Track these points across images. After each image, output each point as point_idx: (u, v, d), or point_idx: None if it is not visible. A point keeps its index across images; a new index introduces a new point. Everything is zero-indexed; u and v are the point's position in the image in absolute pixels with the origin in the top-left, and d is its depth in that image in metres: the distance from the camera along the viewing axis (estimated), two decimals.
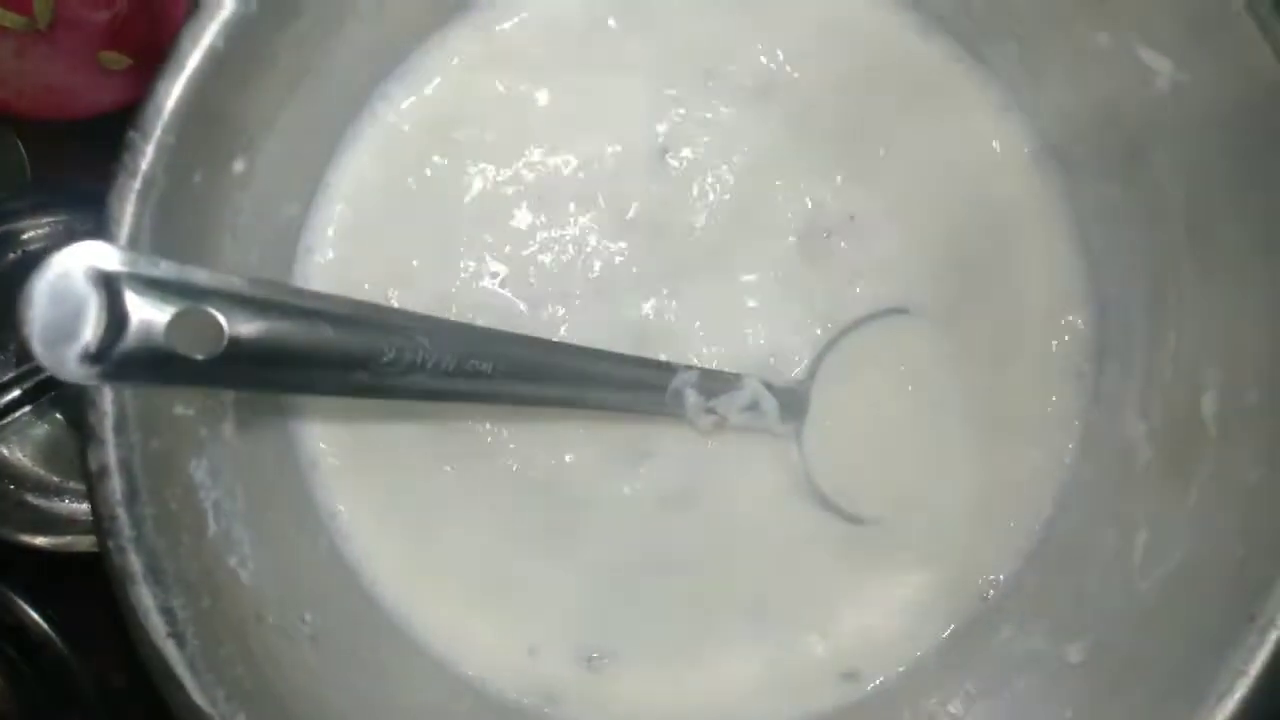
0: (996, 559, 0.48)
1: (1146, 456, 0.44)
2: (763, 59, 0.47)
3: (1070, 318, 0.48)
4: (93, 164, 0.58)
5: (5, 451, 0.56)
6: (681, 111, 0.47)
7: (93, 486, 0.33)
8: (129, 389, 0.33)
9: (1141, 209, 0.44)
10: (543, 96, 0.47)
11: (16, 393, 0.53)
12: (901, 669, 0.46)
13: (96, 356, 0.28)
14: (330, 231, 0.46)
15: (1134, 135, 0.43)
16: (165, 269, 0.29)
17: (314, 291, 0.41)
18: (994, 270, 0.48)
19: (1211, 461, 0.41)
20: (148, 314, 0.29)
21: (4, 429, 0.54)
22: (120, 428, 0.33)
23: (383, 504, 0.46)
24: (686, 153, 0.47)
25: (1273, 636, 0.36)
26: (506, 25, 0.47)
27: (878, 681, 0.47)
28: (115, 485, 0.33)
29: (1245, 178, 0.39)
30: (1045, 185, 0.48)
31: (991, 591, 0.47)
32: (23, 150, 0.57)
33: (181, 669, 0.34)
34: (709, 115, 0.47)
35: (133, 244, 0.32)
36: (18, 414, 0.53)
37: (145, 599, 0.33)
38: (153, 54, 0.56)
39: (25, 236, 0.56)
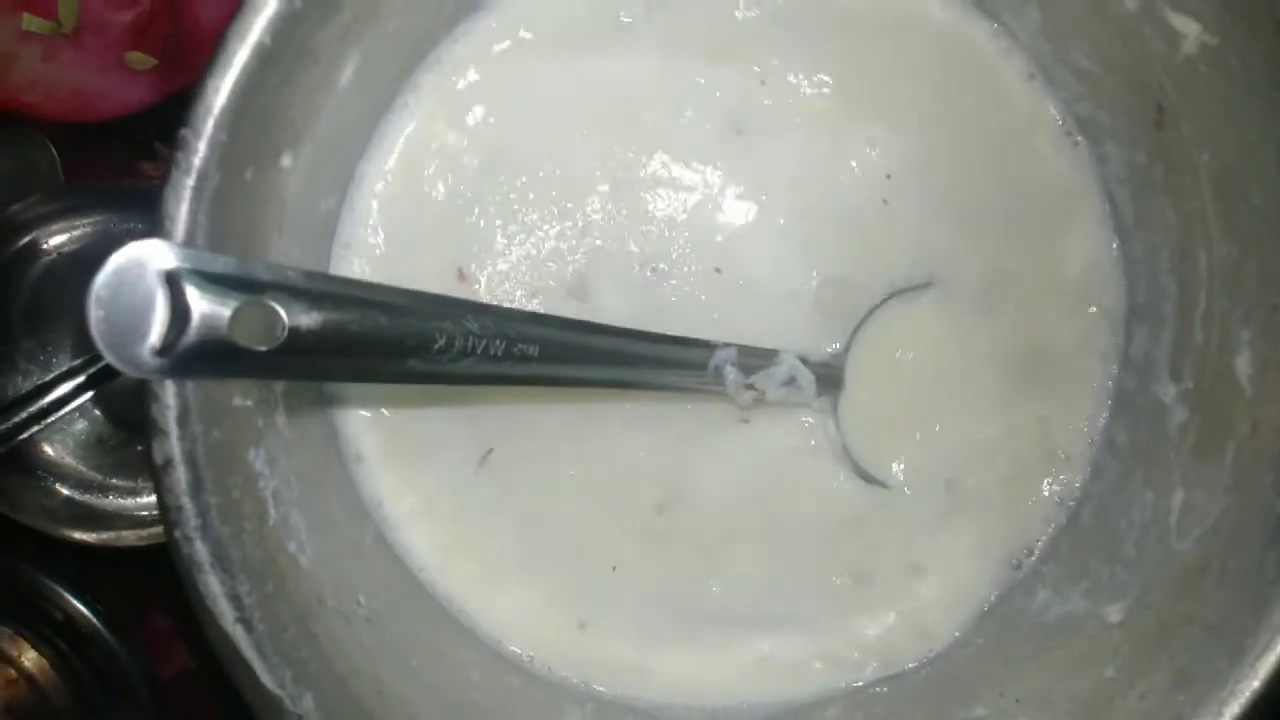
0: (1033, 525, 0.48)
1: (1180, 418, 0.45)
2: (793, 33, 0.47)
3: (1099, 284, 0.49)
4: (122, 164, 0.60)
5: (49, 449, 0.57)
6: (725, 82, 0.47)
7: (159, 478, 0.34)
8: (192, 382, 0.34)
9: (1168, 174, 0.45)
10: (571, 84, 0.47)
11: (61, 391, 0.54)
12: (948, 637, 0.47)
13: (162, 352, 0.29)
14: (367, 222, 0.47)
15: (1159, 100, 0.44)
16: (225, 264, 0.30)
17: (368, 282, 0.42)
18: (1024, 238, 0.48)
19: (1247, 421, 0.41)
20: (210, 309, 0.29)
21: (47, 427, 0.55)
22: (183, 420, 0.34)
23: (426, 493, 0.47)
24: (730, 124, 0.47)
25: None
26: (529, 15, 0.47)
27: (924, 652, 0.47)
28: (181, 476, 0.34)
29: (1273, 139, 0.39)
30: (1073, 152, 0.48)
31: (1030, 557, 0.48)
32: (54, 153, 0.57)
33: (251, 653, 0.35)
34: (750, 85, 0.47)
35: (189, 240, 0.33)
36: (63, 412, 0.54)
37: (213, 586, 0.34)
38: (178, 53, 0.57)
39: (58, 240, 0.57)
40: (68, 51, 0.56)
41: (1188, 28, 0.39)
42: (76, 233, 0.57)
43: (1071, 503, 0.48)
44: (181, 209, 0.33)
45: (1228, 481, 0.41)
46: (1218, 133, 0.41)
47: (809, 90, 0.47)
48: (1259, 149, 0.39)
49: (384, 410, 0.46)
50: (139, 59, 0.56)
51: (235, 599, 0.35)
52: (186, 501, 0.34)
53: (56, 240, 0.57)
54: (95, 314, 0.28)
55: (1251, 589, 0.38)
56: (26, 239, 0.56)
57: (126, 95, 0.57)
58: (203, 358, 0.29)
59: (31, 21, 0.55)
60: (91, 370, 0.54)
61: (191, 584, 0.34)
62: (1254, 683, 0.37)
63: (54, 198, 0.57)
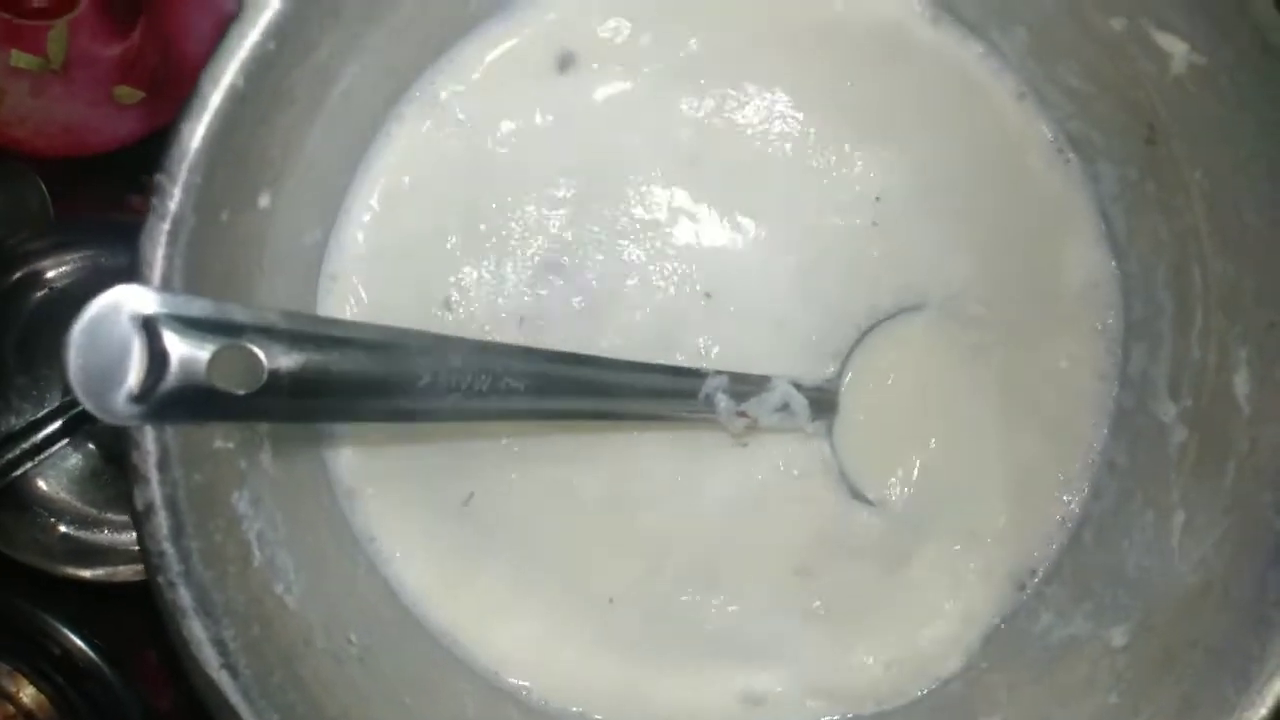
0: (1035, 547, 0.48)
1: (1180, 438, 0.44)
2: (780, 55, 0.47)
3: (1096, 302, 0.48)
4: (112, 198, 0.60)
5: (44, 485, 0.57)
6: (711, 104, 0.47)
7: (140, 524, 0.33)
8: (171, 427, 0.34)
9: (1161, 191, 0.44)
10: (554, 112, 0.47)
11: (54, 427, 0.54)
12: (955, 665, 0.46)
13: (140, 398, 0.29)
14: (353, 254, 0.47)
15: (1150, 118, 0.43)
16: (202, 307, 0.30)
17: (348, 321, 0.42)
18: (1018, 257, 0.48)
19: (1245, 440, 0.41)
20: (188, 353, 0.29)
21: (41, 463, 0.55)
22: (163, 465, 0.33)
23: (418, 526, 0.47)
24: (719, 149, 0.47)
25: None
26: (509, 46, 0.47)
27: (930, 682, 0.47)
28: (162, 522, 0.33)
29: (1264, 156, 0.39)
30: (1065, 170, 0.48)
31: (1034, 578, 0.47)
32: (44, 188, 0.57)
33: (237, 699, 0.34)
34: (736, 107, 0.47)
35: (165, 284, 0.33)
36: (55, 448, 0.54)
37: (197, 632, 0.34)
38: (166, 86, 0.57)
39: (50, 275, 0.57)
40: (56, 87, 0.56)
41: (1174, 47, 0.39)
42: (66, 268, 0.57)
43: (1072, 524, 0.48)
44: (157, 254, 0.32)
45: (1227, 501, 0.41)
46: (1209, 150, 0.41)
47: (797, 114, 0.47)
48: (1251, 166, 0.39)
49: (375, 445, 0.46)
50: (127, 93, 0.56)
51: (220, 644, 0.34)
52: (168, 547, 0.33)
53: (47, 276, 0.57)
54: (73, 361, 0.28)
55: (1254, 611, 0.38)
56: (17, 275, 0.56)
57: (115, 129, 0.57)
58: (182, 403, 0.29)
59: (20, 58, 0.56)
60: (76, 409, 0.53)
61: (175, 630, 0.34)
62: (1260, 710, 0.37)
63: (43, 233, 0.57)
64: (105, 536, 0.57)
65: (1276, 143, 0.37)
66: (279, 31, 0.32)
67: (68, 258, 0.57)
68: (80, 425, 0.55)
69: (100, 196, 0.59)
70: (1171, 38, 0.39)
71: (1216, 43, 0.38)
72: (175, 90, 0.56)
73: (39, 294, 0.57)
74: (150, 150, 0.57)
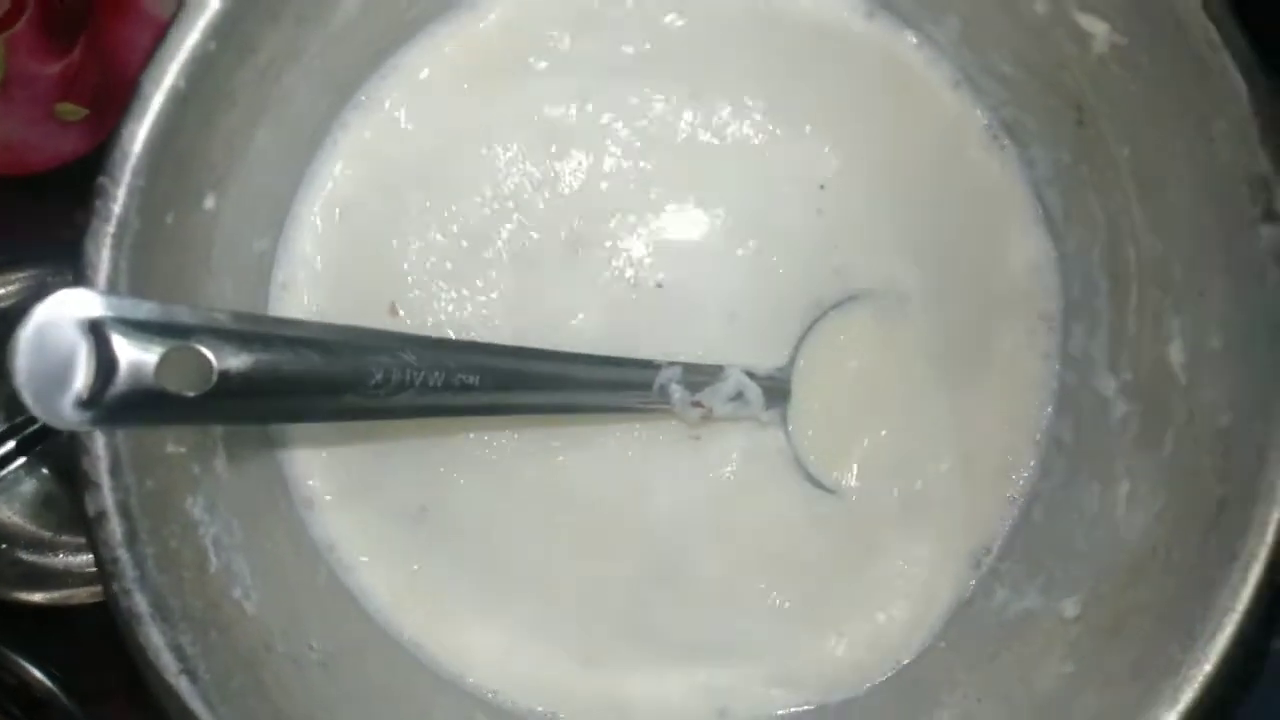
0: (988, 526, 0.49)
1: (1121, 411, 0.45)
2: (720, 50, 0.48)
3: (1036, 284, 0.49)
4: (55, 216, 0.59)
5: None
6: (654, 101, 0.47)
7: (92, 531, 0.33)
8: (122, 431, 0.33)
9: (1093, 172, 0.45)
10: (499, 114, 0.48)
11: (5, 449, 0.53)
12: (918, 646, 0.47)
13: (89, 402, 0.28)
14: (301, 262, 0.47)
15: (1078, 101, 0.44)
16: (149, 310, 0.30)
17: (298, 320, 0.42)
18: (959, 243, 0.49)
19: (1183, 409, 0.42)
20: (136, 356, 0.29)
21: None
22: (115, 470, 0.33)
23: (377, 533, 0.46)
24: (663, 144, 0.48)
25: (1255, 571, 0.37)
26: (449, 50, 0.47)
27: (893, 665, 0.47)
28: (115, 528, 0.33)
29: (1188, 132, 0.40)
30: (1002, 156, 0.49)
31: (988, 558, 0.48)
32: None
33: (197, 704, 0.34)
34: (679, 103, 0.48)
35: (111, 288, 0.33)
36: (7, 470, 0.53)
37: (154, 638, 0.34)
38: (108, 102, 0.57)
39: None
40: None
41: (1095, 28, 0.40)
42: (12, 287, 0.56)
43: (1022, 501, 0.49)
44: (102, 256, 0.32)
45: (1168, 470, 0.42)
46: (1135, 129, 0.42)
47: (738, 106, 0.48)
48: (1172, 142, 0.40)
49: (330, 450, 0.46)
50: (70, 110, 0.56)
51: (178, 649, 0.34)
52: (122, 553, 0.33)
53: None
54: (20, 367, 0.28)
55: (1196, 574, 0.39)
56: None
57: (58, 146, 0.56)
58: (131, 406, 0.29)
59: None
60: (31, 429, 0.53)
61: (132, 637, 0.34)
62: (1205, 667, 0.37)
63: None
64: (59, 560, 0.56)
65: (1193, 119, 0.38)
66: (218, 32, 0.33)
67: (12, 277, 0.56)
68: (33, 446, 0.54)
69: (45, 215, 0.58)
70: (1092, 18, 0.40)
71: (1134, 21, 0.39)
72: (118, 106, 0.56)
73: None
74: (94, 167, 0.57)
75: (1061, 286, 0.49)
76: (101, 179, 0.32)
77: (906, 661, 0.47)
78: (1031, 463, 0.49)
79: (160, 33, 0.34)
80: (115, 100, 0.56)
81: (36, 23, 0.56)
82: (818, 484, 0.48)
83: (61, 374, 0.28)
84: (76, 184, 0.56)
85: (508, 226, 0.47)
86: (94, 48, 0.56)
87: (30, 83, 0.56)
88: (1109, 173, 0.44)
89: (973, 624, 0.47)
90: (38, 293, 0.55)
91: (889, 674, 0.47)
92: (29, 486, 0.56)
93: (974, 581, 0.48)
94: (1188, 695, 0.37)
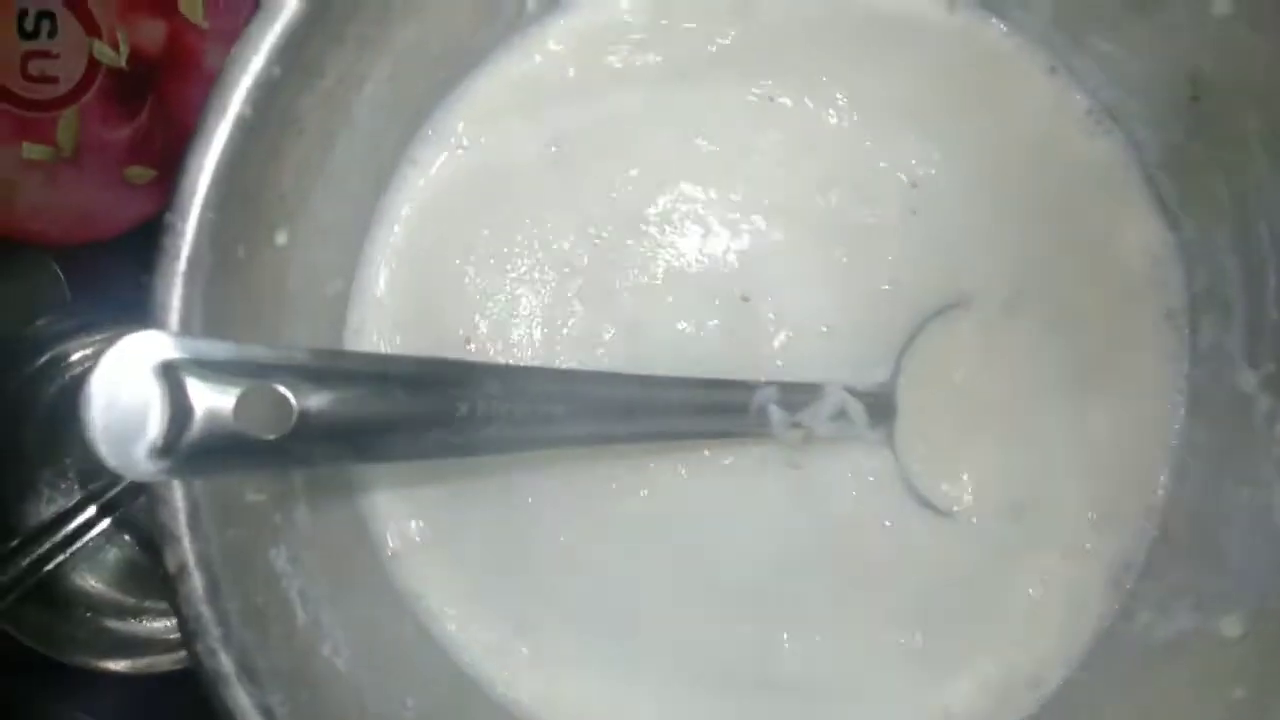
0: (1124, 542, 0.45)
1: (1266, 406, 0.42)
2: (801, 51, 0.46)
3: (1155, 276, 0.46)
4: (129, 279, 0.59)
5: (79, 580, 0.55)
6: (729, 108, 0.45)
7: (173, 587, 0.31)
8: (200, 480, 0.32)
9: (1214, 150, 0.42)
10: (568, 138, 0.46)
11: (85, 515, 0.52)
12: (1058, 680, 0.43)
13: (164, 450, 0.27)
14: (375, 304, 0.45)
15: (1194, 74, 0.41)
16: (224, 350, 0.28)
17: (379, 354, 0.40)
18: (1066, 238, 0.46)
19: None
20: (212, 399, 0.27)
21: (74, 555, 0.53)
22: (194, 522, 0.31)
23: (466, 580, 0.44)
24: (742, 153, 0.45)
25: None
26: (517, 76, 0.46)
27: (1033, 703, 0.44)
28: (196, 582, 0.31)
29: None
30: (1106, 142, 0.46)
31: (1129, 577, 0.44)
32: (62, 276, 0.57)
33: None
34: (758, 108, 0.46)
35: (185, 329, 0.31)
36: (88, 536, 0.53)
37: (241, 699, 0.32)
38: (176, 161, 0.57)
39: (73, 359, 0.56)
40: (69, 174, 0.56)
41: None
42: (88, 350, 0.56)
43: (1159, 513, 0.45)
44: (173, 296, 0.31)
45: None
46: (1265, 95, 0.39)
47: (821, 104, 0.45)
48: None
49: (413, 494, 0.44)
50: (139, 173, 0.56)
51: (267, 711, 0.32)
52: (205, 609, 0.31)
53: (69, 360, 0.56)
54: (91, 418, 0.27)
55: None
56: (39, 362, 0.56)
57: (129, 210, 0.56)
58: (209, 453, 0.28)
59: (32, 150, 0.55)
60: (110, 494, 0.52)
61: (218, 699, 0.32)
62: None
63: (62, 318, 0.56)
64: (143, 626, 0.55)
65: None
66: (282, 56, 0.31)
67: (88, 340, 0.56)
68: (113, 510, 0.53)
69: (119, 279, 0.59)
70: None
71: None
72: None
73: (60, 380, 0.56)
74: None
75: (1185, 277, 0.45)
76: (168, 216, 0.31)
77: (1046, 695, 0.43)
78: (1166, 470, 0.45)
79: None
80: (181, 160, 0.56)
81: (107, 91, 0.56)
82: (931, 507, 0.45)
83: (135, 422, 0.27)
84: (144, 245, 0.57)
85: (583, 253, 0.46)
86: (161, 110, 0.56)
87: (102, 150, 0.56)
88: (1232, 147, 0.41)
89: (1117, 651, 0.44)
90: None
91: (1031, 710, 0.43)
92: (112, 555, 0.56)
93: (1115, 605, 0.44)
94: None
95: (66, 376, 0.56)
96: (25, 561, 0.51)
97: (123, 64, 0.55)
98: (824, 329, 0.45)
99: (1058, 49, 0.45)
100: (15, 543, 0.51)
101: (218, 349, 0.28)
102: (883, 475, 0.45)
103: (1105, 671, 0.44)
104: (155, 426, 0.27)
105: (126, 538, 0.56)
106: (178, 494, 0.31)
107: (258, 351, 0.29)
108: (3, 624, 0.52)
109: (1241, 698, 0.38)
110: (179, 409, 0.27)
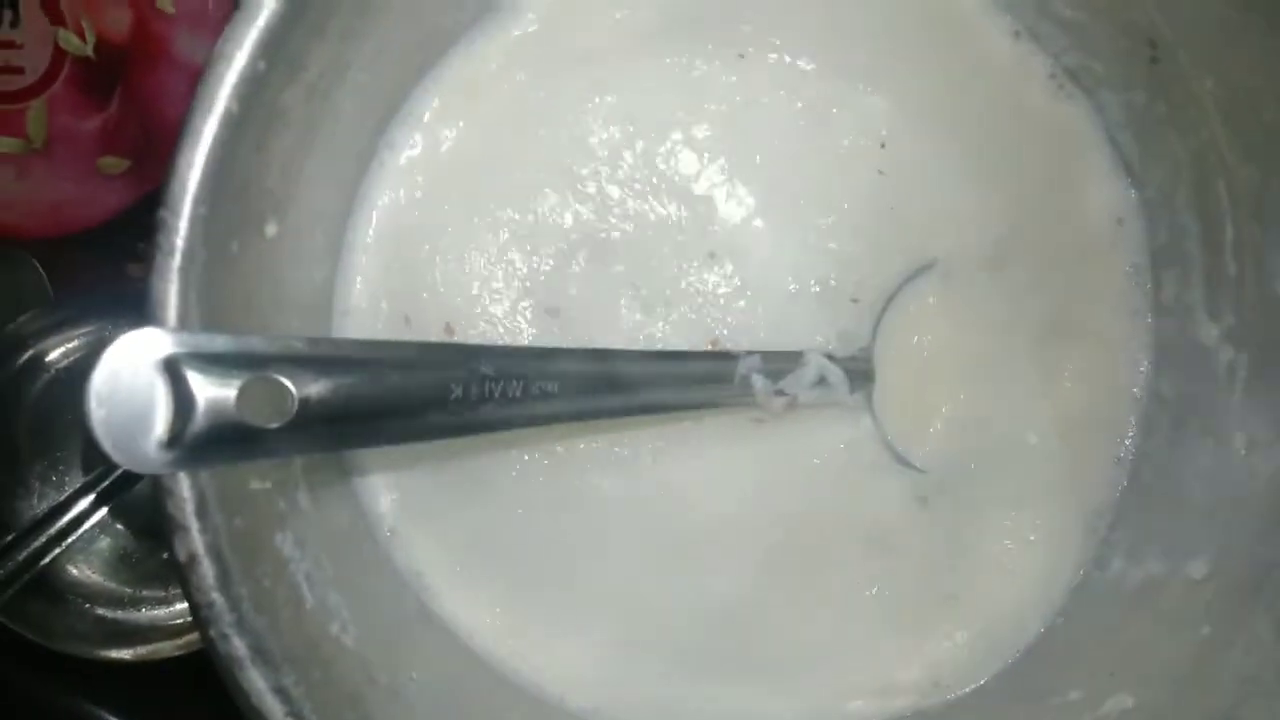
0: (1096, 493, 0.46)
1: (1227, 357, 0.43)
2: (769, 12, 0.46)
3: (1118, 234, 0.47)
4: (108, 270, 0.59)
5: (74, 570, 0.55)
6: (700, 71, 0.46)
7: (185, 576, 0.32)
8: (206, 471, 0.32)
9: (1173, 110, 0.43)
10: (543, 116, 0.46)
11: (79, 507, 0.52)
12: (1042, 623, 0.45)
13: (170, 443, 0.28)
14: (359, 289, 0.45)
15: (1152, 36, 0.42)
16: (223, 343, 0.29)
17: (374, 341, 0.40)
18: (1032, 200, 0.47)
19: None
20: (214, 391, 0.28)
21: (70, 547, 0.53)
22: (202, 512, 0.32)
23: (463, 556, 0.45)
24: (715, 119, 0.46)
25: None
26: (494, 63, 0.46)
27: (1016, 648, 0.45)
28: (207, 571, 0.32)
29: (1278, 50, 0.38)
30: (1069, 105, 0.47)
31: (1101, 526, 0.46)
32: (39, 268, 0.57)
33: None
34: (725, 68, 0.46)
35: (182, 324, 0.32)
36: (82, 529, 0.53)
37: (257, 682, 0.33)
38: (149, 152, 0.57)
39: (55, 354, 0.56)
40: (40, 166, 0.55)
41: None
42: (72, 344, 0.56)
43: (1129, 463, 0.46)
44: (170, 292, 0.31)
45: None
46: (1219, 57, 0.40)
47: (790, 63, 0.46)
48: (1266, 64, 0.38)
49: (408, 475, 0.45)
50: (112, 163, 0.56)
51: (282, 692, 0.33)
52: (217, 597, 0.32)
53: (53, 355, 0.56)
54: (96, 414, 0.27)
55: None
56: (23, 358, 0.55)
57: (104, 201, 0.56)
58: (214, 443, 0.28)
59: (2, 142, 0.55)
60: (105, 484, 0.52)
61: (234, 683, 0.33)
62: None
63: (45, 313, 0.56)
64: (143, 614, 0.55)
65: None
66: (267, 50, 0.32)
67: (72, 334, 0.56)
68: (111, 498, 0.53)
69: (97, 271, 0.58)
70: None
71: None
72: (159, 155, 0.56)
73: (46, 375, 0.56)
74: (140, 218, 0.57)
75: (1147, 234, 0.47)
76: (161, 212, 0.31)
77: (1030, 642, 0.45)
78: (1133, 422, 0.47)
79: (197, 75, 0.33)
80: (156, 149, 0.56)
81: (73, 81, 0.56)
82: (910, 465, 0.46)
83: (139, 418, 0.27)
84: (126, 236, 0.57)
85: (558, 232, 0.46)
86: (131, 99, 0.56)
87: (72, 140, 0.56)
88: (1190, 108, 0.42)
89: (1094, 596, 0.45)
90: (100, 348, 0.55)
91: (1014, 657, 0.45)
92: (105, 544, 0.56)
93: (1088, 553, 0.46)
94: None
95: (52, 372, 0.55)
96: (22, 555, 0.51)
97: (90, 53, 0.54)
98: (797, 296, 0.46)
99: (1022, 13, 0.46)
100: (10, 537, 0.51)
101: (216, 342, 0.29)
102: (862, 437, 0.46)
103: (1083, 618, 0.45)
104: (160, 421, 0.28)
105: (120, 527, 0.56)
106: (184, 485, 0.32)
107: (255, 342, 0.30)
108: (2, 618, 0.52)
109: (1208, 634, 0.39)
110: (182, 402, 0.28)
